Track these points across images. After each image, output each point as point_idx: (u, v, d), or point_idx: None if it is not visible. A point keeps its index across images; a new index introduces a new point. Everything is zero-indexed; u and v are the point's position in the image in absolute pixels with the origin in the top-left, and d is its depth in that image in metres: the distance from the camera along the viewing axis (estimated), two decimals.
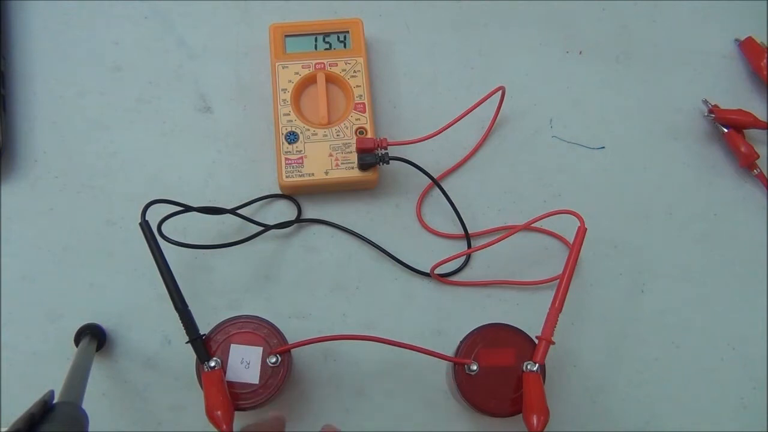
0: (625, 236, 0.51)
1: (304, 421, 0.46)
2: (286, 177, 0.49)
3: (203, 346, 0.41)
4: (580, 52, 0.56)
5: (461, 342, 0.42)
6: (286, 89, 0.51)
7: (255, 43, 0.54)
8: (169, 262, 0.41)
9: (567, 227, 0.46)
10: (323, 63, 0.51)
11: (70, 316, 0.47)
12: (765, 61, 0.54)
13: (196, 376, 0.41)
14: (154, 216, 0.42)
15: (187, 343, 0.40)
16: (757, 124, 0.53)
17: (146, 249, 0.41)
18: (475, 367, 0.41)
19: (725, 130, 0.53)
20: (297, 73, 0.51)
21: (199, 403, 0.39)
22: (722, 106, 0.53)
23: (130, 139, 0.52)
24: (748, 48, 0.55)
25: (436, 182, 0.50)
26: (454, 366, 0.42)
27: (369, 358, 0.47)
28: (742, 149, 0.52)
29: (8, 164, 0.51)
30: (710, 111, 0.53)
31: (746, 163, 0.52)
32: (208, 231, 0.49)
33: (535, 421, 0.38)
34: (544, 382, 0.40)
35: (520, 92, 0.54)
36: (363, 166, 0.49)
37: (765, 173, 0.52)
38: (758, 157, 0.52)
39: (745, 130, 0.53)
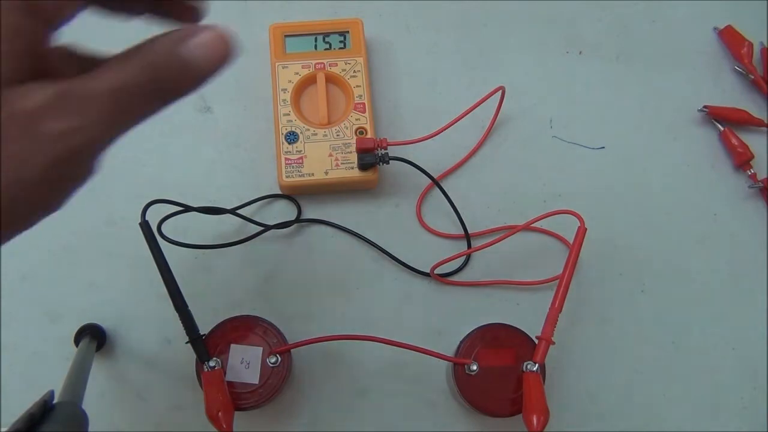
0: (625, 236, 0.51)
1: (304, 421, 0.46)
2: (286, 177, 0.49)
3: (203, 346, 0.41)
4: (580, 52, 0.56)
5: (461, 342, 0.43)
6: (286, 89, 0.51)
7: (255, 43, 0.54)
8: (169, 262, 0.41)
9: (567, 227, 0.46)
10: (323, 63, 0.51)
11: (70, 316, 0.47)
12: (745, 49, 0.54)
13: (196, 376, 0.41)
14: (154, 216, 0.42)
15: (187, 343, 0.40)
16: (752, 121, 0.53)
17: (146, 249, 0.41)
18: (475, 367, 0.41)
19: (721, 129, 0.53)
20: (297, 73, 0.51)
21: (199, 403, 0.39)
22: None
23: (130, 139, 0.52)
24: (727, 37, 0.55)
25: (436, 182, 0.50)
26: (454, 366, 0.42)
27: (369, 358, 0.47)
28: (738, 148, 0.52)
29: None
30: (704, 107, 0.53)
31: (740, 163, 0.52)
32: (208, 231, 0.49)
33: (535, 421, 0.38)
34: (544, 382, 0.40)
35: (520, 92, 0.54)
36: (363, 166, 0.49)
37: (766, 172, 0.52)
38: (752, 156, 0.52)
39: (744, 131, 0.53)
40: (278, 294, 0.49)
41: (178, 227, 0.47)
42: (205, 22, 0.56)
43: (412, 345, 0.41)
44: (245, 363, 0.41)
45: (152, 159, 0.51)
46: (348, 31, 0.53)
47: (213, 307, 0.48)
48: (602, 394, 0.47)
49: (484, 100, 0.51)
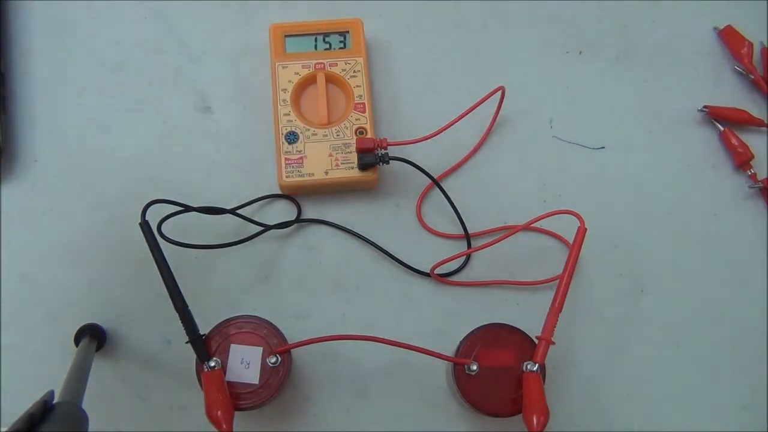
0: (625, 236, 0.51)
1: (304, 421, 0.46)
2: (286, 177, 0.49)
3: (203, 346, 0.41)
4: (580, 52, 0.56)
5: (461, 342, 0.43)
6: (286, 89, 0.51)
7: (255, 43, 0.54)
8: (169, 262, 0.41)
9: (567, 227, 0.46)
10: (323, 63, 0.51)
11: (70, 316, 0.47)
12: (745, 49, 0.54)
13: (196, 376, 0.41)
14: (154, 216, 0.42)
15: (187, 343, 0.40)
16: (752, 121, 0.53)
17: (146, 249, 0.41)
18: (475, 367, 0.41)
19: (721, 129, 0.53)
20: (297, 73, 0.51)
21: (199, 403, 0.39)
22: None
23: (130, 139, 0.52)
24: (727, 37, 0.55)
25: (436, 182, 0.50)
26: (454, 366, 0.42)
27: (369, 358, 0.47)
28: (738, 148, 0.52)
29: (8, 164, 0.51)
30: (704, 107, 0.53)
31: (740, 162, 0.52)
32: (208, 231, 0.49)
33: (535, 421, 0.38)
34: (544, 382, 0.40)
35: (520, 92, 0.54)
36: (363, 166, 0.49)
37: (766, 172, 0.52)
38: (752, 156, 0.52)
39: (744, 131, 0.53)
40: (278, 294, 0.49)
41: (178, 227, 0.47)
42: (206, 23, 0.57)
43: (412, 345, 0.41)
44: (245, 363, 0.41)
45: (152, 159, 0.51)
46: (348, 31, 0.53)
47: (213, 307, 0.48)
48: (602, 394, 0.47)
49: (484, 100, 0.51)
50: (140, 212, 0.41)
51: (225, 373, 0.40)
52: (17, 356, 0.47)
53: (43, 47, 0.54)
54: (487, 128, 0.53)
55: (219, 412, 0.38)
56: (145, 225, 0.41)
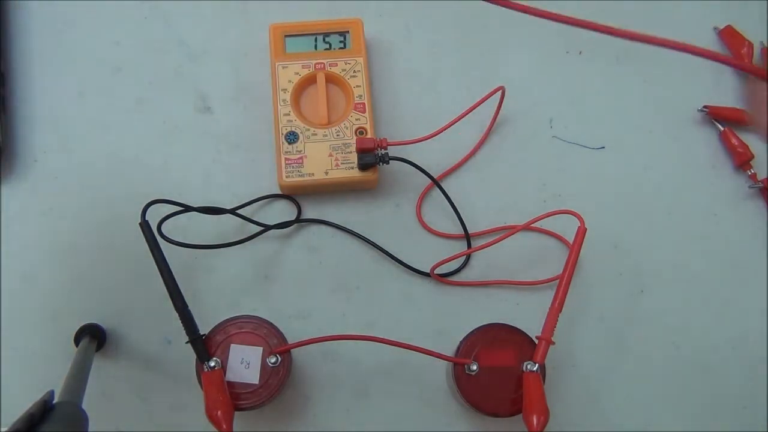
0: (625, 236, 0.51)
1: (304, 421, 0.46)
2: (286, 177, 0.49)
3: (203, 346, 0.41)
4: (580, 52, 0.56)
5: (461, 342, 0.43)
6: (286, 89, 0.51)
7: (255, 43, 0.54)
8: (169, 262, 0.41)
9: (567, 227, 0.46)
10: (323, 63, 0.51)
11: (70, 316, 0.47)
12: (745, 49, 0.54)
13: (196, 376, 0.41)
14: (154, 216, 0.42)
15: (187, 343, 0.40)
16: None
17: (146, 249, 0.41)
18: (475, 367, 0.41)
19: (721, 129, 0.53)
20: (297, 73, 0.51)
21: (199, 403, 0.39)
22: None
23: (130, 139, 0.52)
24: (727, 37, 0.55)
25: (436, 182, 0.50)
26: (454, 366, 0.42)
27: (369, 358, 0.47)
28: (738, 148, 0.52)
29: (8, 164, 0.51)
30: (704, 107, 0.53)
31: (741, 162, 0.52)
32: (208, 231, 0.49)
33: (535, 421, 0.38)
34: (544, 382, 0.40)
35: (520, 92, 0.54)
36: (363, 166, 0.49)
37: (766, 172, 0.52)
38: (752, 156, 0.52)
39: (744, 131, 0.53)
40: (278, 294, 0.49)
41: (178, 227, 0.47)
42: (206, 23, 0.57)
43: (412, 345, 0.41)
44: (245, 363, 0.41)
45: (152, 159, 0.51)
46: (348, 31, 0.52)
47: (213, 307, 0.48)
48: (602, 394, 0.47)
49: (484, 100, 0.51)
50: (140, 212, 0.41)
51: (225, 373, 0.40)
52: (17, 356, 0.47)
53: (43, 47, 0.54)
54: (487, 128, 0.53)
55: (219, 412, 0.38)
56: (145, 225, 0.41)
